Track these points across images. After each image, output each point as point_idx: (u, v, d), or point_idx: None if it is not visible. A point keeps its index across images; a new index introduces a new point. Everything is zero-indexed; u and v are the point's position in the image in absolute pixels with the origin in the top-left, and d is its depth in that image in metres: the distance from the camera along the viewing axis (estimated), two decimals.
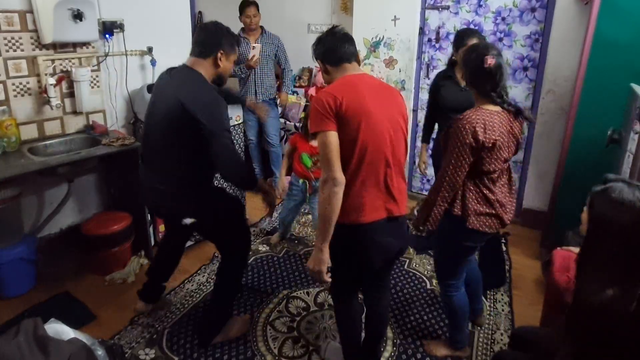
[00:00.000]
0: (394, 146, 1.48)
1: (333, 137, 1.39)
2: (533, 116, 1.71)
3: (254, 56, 3.29)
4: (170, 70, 1.82)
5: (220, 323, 2.01)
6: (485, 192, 1.63)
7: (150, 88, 2.65)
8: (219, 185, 2.06)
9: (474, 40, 2.10)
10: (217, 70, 1.76)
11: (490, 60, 1.54)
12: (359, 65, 1.60)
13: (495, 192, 1.64)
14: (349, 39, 1.56)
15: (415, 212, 1.75)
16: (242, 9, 3.39)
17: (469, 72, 1.63)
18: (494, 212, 1.64)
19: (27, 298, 2.30)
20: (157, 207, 1.98)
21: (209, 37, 1.74)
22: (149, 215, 2.58)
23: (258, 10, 3.42)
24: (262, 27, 3.50)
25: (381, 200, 1.47)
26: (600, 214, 1.11)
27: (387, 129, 1.46)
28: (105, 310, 2.23)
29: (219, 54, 1.72)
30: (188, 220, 1.80)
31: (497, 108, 1.59)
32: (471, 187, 1.63)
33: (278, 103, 3.65)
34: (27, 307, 2.22)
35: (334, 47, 1.53)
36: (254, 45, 3.35)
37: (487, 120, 1.54)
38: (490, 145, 1.53)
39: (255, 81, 3.47)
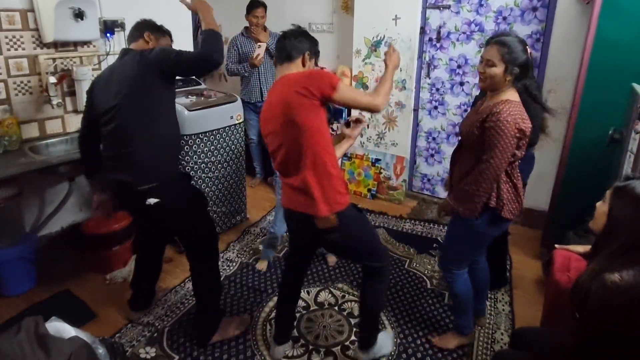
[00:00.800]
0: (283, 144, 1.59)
1: None
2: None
3: (258, 55, 3.30)
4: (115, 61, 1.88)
5: (214, 322, 2.00)
6: (514, 180, 1.69)
7: None
8: (184, 172, 2.07)
9: None
10: (149, 47, 1.86)
11: (531, 51, 1.64)
12: (303, 65, 1.67)
13: (519, 178, 1.71)
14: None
15: (449, 200, 1.75)
16: (250, 9, 3.40)
17: (523, 62, 1.62)
18: (519, 198, 1.71)
19: (28, 296, 2.30)
20: (122, 190, 1.87)
21: (134, 27, 1.94)
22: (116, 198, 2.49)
23: (266, 11, 3.44)
24: (265, 27, 3.51)
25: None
26: (622, 209, 1.17)
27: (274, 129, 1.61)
28: (106, 308, 2.23)
29: (146, 34, 1.89)
30: (152, 200, 1.77)
31: (518, 97, 1.64)
32: (504, 178, 1.67)
33: None
34: (28, 306, 2.23)
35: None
36: (259, 44, 3.35)
37: (522, 110, 1.60)
38: (528, 132, 1.60)
39: (260, 78, 3.47)
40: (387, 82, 1.71)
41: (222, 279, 2.47)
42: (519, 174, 1.72)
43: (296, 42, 1.65)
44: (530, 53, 1.65)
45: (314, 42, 1.71)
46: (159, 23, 1.96)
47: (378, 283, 1.77)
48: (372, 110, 1.68)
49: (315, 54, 1.72)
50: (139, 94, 1.72)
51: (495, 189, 1.66)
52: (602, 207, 1.28)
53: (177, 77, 1.99)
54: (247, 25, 3.49)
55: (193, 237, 1.93)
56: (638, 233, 1.14)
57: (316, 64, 1.74)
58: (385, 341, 1.96)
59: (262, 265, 2.62)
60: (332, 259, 2.67)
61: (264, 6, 3.42)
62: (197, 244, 1.93)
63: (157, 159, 1.79)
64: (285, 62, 1.66)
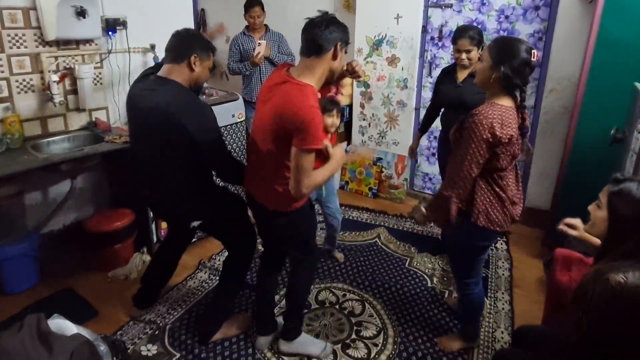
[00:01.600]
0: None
1: None
2: (530, 145, 1.71)
3: (258, 53, 3.30)
4: (144, 79, 1.77)
5: (222, 317, 2.02)
6: (496, 189, 1.62)
7: None
8: (220, 185, 2.07)
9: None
10: (192, 75, 1.72)
11: (538, 55, 1.54)
12: (334, 58, 1.55)
13: (506, 189, 1.64)
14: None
15: (422, 208, 1.72)
16: (247, 8, 3.40)
17: (514, 61, 1.52)
18: (505, 209, 1.64)
19: (30, 294, 2.31)
20: (162, 214, 2.05)
21: (181, 42, 1.72)
22: (151, 212, 2.59)
23: (263, 9, 3.43)
24: (266, 26, 3.51)
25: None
26: (623, 213, 1.19)
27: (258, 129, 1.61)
28: (108, 306, 2.24)
29: (193, 58, 1.69)
30: (196, 223, 1.87)
31: (511, 104, 1.57)
32: (482, 185, 1.61)
33: None
34: (30, 303, 2.24)
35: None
36: (259, 41, 3.35)
37: (504, 115, 1.52)
38: (506, 140, 1.52)
39: (261, 78, 3.48)
40: (326, 174, 1.59)
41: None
42: (507, 186, 1.64)
43: (326, 32, 1.47)
44: (538, 56, 1.55)
45: (345, 31, 1.54)
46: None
47: (308, 271, 1.89)
48: (292, 190, 1.53)
49: (346, 43, 1.57)
50: (171, 142, 1.69)
51: (470, 196, 1.62)
52: (598, 212, 1.28)
53: None
54: (247, 24, 3.49)
55: (231, 239, 2.00)
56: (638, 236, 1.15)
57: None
58: (315, 343, 1.97)
59: (339, 255, 2.71)
60: (339, 256, 2.70)
61: (261, 5, 3.41)
62: (234, 244, 2.00)
63: (193, 193, 1.81)
64: (313, 55, 1.49)
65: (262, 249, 2.01)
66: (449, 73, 2.47)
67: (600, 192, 1.30)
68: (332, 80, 1.68)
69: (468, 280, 1.83)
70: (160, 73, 1.73)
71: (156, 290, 2.22)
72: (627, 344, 1.11)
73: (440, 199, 1.64)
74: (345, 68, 1.74)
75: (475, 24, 3.13)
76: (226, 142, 2.85)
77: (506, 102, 1.57)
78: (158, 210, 2.06)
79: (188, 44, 1.70)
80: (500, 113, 1.52)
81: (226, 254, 2.07)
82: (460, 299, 1.94)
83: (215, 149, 1.72)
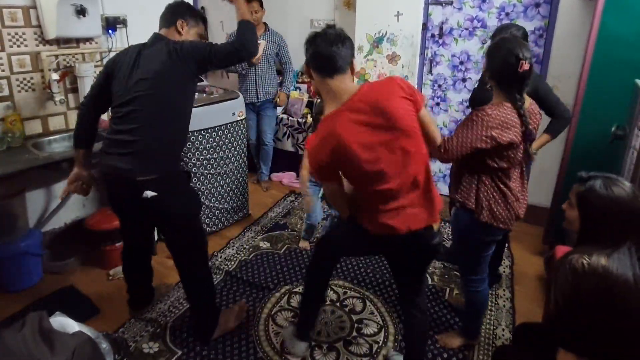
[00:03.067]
0: None
1: None
2: (532, 152, 1.70)
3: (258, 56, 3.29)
4: (140, 44, 1.82)
5: (212, 320, 2.00)
6: (500, 186, 1.64)
7: None
8: (186, 170, 2.03)
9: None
10: (180, 38, 1.81)
11: (526, 66, 1.49)
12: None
13: (510, 186, 1.66)
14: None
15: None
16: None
17: (498, 69, 1.55)
18: (508, 205, 1.65)
19: (32, 292, 2.32)
20: (119, 183, 1.78)
21: (170, 9, 1.86)
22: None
23: (262, 6, 3.38)
24: (265, 24, 3.49)
25: None
26: (591, 209, 1.28)
27: None
28: (110, 304, 2.25)
29: (180, 22, 1.82)
30: (149, 193, 1.70)
31: (510, 106, 1.58)
32: (486, 182, 1.64)
33: (277, 103, 3.64)
34: (32, 301, 2.24)
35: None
36: (259, 41, 3.33)
37: (508, 118, 1.53)
38: (505, 144, 1.53)
39: (256, 79, 3.46)
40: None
41: (222, 275, 2.50)
42: (510, 183, 1.65)
43: (344, 49, 1.39)
44: (525, 67, 1.48)
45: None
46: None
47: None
48: None
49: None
50: (165, 86, 1.70)
51: (474, 191, 1.65)
52: (570, 210, 1.36)
53: None
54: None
55: (183, 238, 1.87)
56: (609, 228, 1.24)
57: None
58: (299, 343, 1.93)
59: (304, 244, 2.85)
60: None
61: (260, 0, 3.35)
62: (186, 246, 1.88)
63: (164, 152, 1.75)
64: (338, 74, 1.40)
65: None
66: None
67: (570, 191, 1.36)
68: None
69: (472, 277, 1.83)
70: (151, 36, 1.83)
71: (145, 291, 2.19)
72: (590, 323, 1.19)
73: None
74: None
75: (475, 21, 3.12)
76: (227, 140, 2.87)
77: (506, 103, 1.58)
78: (118, 175, 1.76)
79: (176, 10, 1.85)
80: (504, 116, 1.53)
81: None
82: (466, 298, 1.94)
83: (212, 52, 1.73)
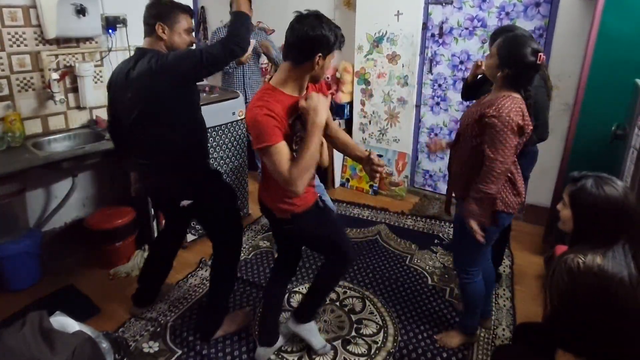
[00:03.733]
0: None
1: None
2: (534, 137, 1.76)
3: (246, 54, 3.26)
4: (125, 63, 1.75)
5: (219, 318, 2.02)
6: (509, 175, 1.67)
7: None
8: (214, 169, 2.06)
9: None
10: (165, 43, 1.71)
11: (543, 58, 1.58)
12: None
13: (516, 172, 1.70)
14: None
15: (471, 222, 1.68)
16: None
17: (516, 60, 1.57)
18: (515, 192, 1.70)
19: (32, 291, 2.32)
20: (156, 194, 1.96)
21: (146, 14, 1.71)
22: (152, 209, 2.59)
23: (251, 6, 3.37)
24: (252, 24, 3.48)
25: None
26: (583, 209, 1.29)
27: None
28: (110, 303, 2.25)
29: (158, 26, 1.68)
30: (186, 202, 1.81)
31: (519, 96, 1.63)
32: None
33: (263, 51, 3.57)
34: (32, 300, 2.25)
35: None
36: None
37: (522, 106, 1.59)
38: (528, 131, 1.60)
39: (244, 79, 3.43)
40: (308, 150, 1.41)
41: None
42: (517, 169, 1.72)
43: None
44: (543, 59, 1.58)
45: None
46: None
47: (336, 268, 1.82)
48: (289, 192, 1.46)
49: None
50: (157, 107, 1.67)
51: None
52: (564, 210, 1.37)
53: None
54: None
55: (220, 232, 1.95)
56: (602, 227, 1.26)
57: None
58: (318, 336, 1.97)
59: None
60: None
61: (249, 1, 3.33)
62: (222, 236, 1.96)
63: (183, 164, 1.79)
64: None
65: (277, 255, 2.00)
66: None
67: (564, 191, 1.38)
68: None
69: (470, 268, 1.84)
70: (142, 45, 1.76)
71: (154, 288, 2.22)
72: (587, 322, 1.22)
73: (484, 199, 1.63)
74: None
75: (476, 20, 3.12)
76: (226, 139, 2.86)
77: (517, 95, 1.63)
78: (154, 191, 1.95)
79: (150, 14, 1.70)
80: (518, 105, 1.59)
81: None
82: (461, 290, 1.94)
83: (202, 62, 1.60)
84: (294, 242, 1.89)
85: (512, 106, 1.56)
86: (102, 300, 2.27)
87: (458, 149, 1.79)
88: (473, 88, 2.24)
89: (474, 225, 1.65)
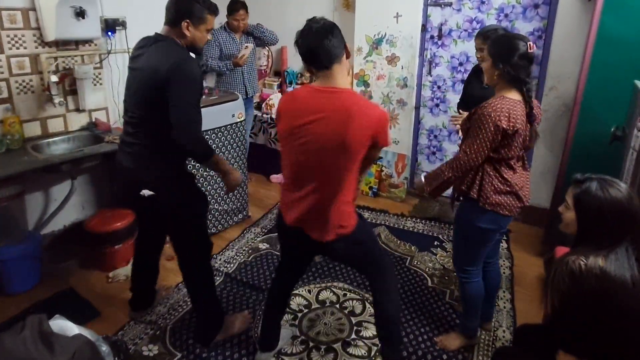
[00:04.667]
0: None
1: None
2: (537, 132, 1.76)
3: (243, 55, 3.30)
4: (144, 41, 1.75)
5: (216, 323, 2.00)
6: (504, 175, 1.68)
7: None
8: (190, 171, 2.00)
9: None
10: (185, 40, 1.72)
11: (533, 46, 1.59)
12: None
13: (513, 174, 1.70)
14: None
15: (423, 178, 1.82)
16: (232, 11, 3.33)
17: (509, 56, 1.59)
18: (511, 190, 1.68)
19: (31, 294, 2.32)
20: (125, 175, 1.83)
21: (174, 6, 1.70)
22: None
23: (247, 11, 3.40)
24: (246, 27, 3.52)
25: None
26: (587, 211, 1.29)
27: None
28: (109, 306, 2.25)
29: (184, 24, 1.68)
30: (147, 192, 1.75)
31: (519, 97, 1.63)
32: (490, 172, 1.68)
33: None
34: (31, 304, 2.24)
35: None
36: (246, 45, 3.35)
37: (511, 108, 1.59)
38: (512, 132, 1.58)
39: (243, 76, 3.48)
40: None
41: (222, 277, 2.50)
42: (516, 172, 1.70)
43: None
44: (533, 48, 1.60)
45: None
46: (161, 20, 1.70)
47: (392, 287, 1.73)
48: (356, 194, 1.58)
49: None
50: (153, 94, 1.66)
51: (478, 181, 1.68)
52: (567, 213, 1.37)
53: None
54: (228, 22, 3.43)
55: (185, 237, 1.88)
56: (606, 229, 1.26)
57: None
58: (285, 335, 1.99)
59: None
60: None
61: (245, 7, 3.38)
62: (188, 245, 1.89)
63: (160, 153, 1.74)
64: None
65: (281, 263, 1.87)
66: (476, 72, 2.46)
67: (566, 194, 1.38)
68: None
69: (469, 268, 1.84)
70: (160, 31, 1.75)
71: (148, 291, 2.19)
72: (589, 324, 1.21)
73: (438, 175, 1.72)
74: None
75: (475, 22, 3.13)
76: (226, 141, 2.86)
77: (514, 96, 1.63)
78: (124, 178, 1.89)
79: (179, 9, 1.69)
80: (508, 106, 1.59)
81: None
82: (461, 290, 1.94)
83: (184, 115, 1.61)
84: (337, 260, 1.80)
85: (499, 105, 1.58)
86: (102, 303, 2.26)
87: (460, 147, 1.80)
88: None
89: (420, 179, 1.81)
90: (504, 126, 1.56)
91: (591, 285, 1.20)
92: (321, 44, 1.43)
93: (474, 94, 2.40)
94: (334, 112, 1.41)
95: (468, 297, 1.90)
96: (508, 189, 1.68)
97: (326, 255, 1.75)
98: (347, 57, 1.55)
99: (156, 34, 1.75)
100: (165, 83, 1.59)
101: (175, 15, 1.69)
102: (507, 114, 1.56)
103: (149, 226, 2.07)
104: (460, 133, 2.07)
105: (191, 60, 1.67)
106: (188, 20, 1.69)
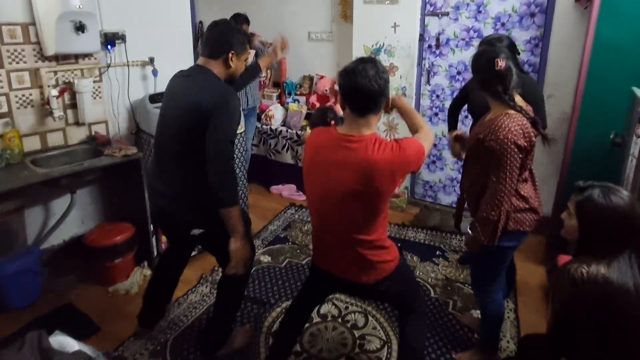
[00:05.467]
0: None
1: None
2: (549, 134, 1.68)
3: (246, 60, 3.34)
4: (182, 72, 1.78)
5: (225, 336, 1.98)
6: (520, 192, 1.65)
7: (152, 98, 2.66)
8: None
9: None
10: (228, 71, 1.73)
11: (501, 63, 1.54)
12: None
13: (528, 188, 1.68)
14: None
15: (470, 231, 1.70)
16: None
17: (481, 77, 1.63)
18: (528, 206, 1.66)
19: (31, 310, 2.29)
20: (165, 216, 1.84)
21: (219, 38, 1.70)
22: (151, 225, 2.56)
23: (248, 24, 3.55)
24: None
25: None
26: (589, 219, 1.29)
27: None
28: (109, 321, 2.22)
29: (230, 54, 1.70)
30: (197, 231, 1.75)
31: (512, 111, 1.60)
32: None
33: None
34: (31, 319, 2.21)
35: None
36: (249, 50, 3.40)
37: (522, 123, 1.56)
38: (530, 148, 1.57)
39: (245, 87, 3.50)
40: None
41: None
42: (530, 185, 1.68)
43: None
44: (501, 64, 1.54)
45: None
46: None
47: (422, 321, 1.72)
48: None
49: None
50: (196, 128, 1.62)
51: None
52: (569, 220, 1.36)
53: None
54: None
55: (226, 257, 1.78)
56: (609, 237, 1.25)
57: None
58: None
59: None
60: None
61: (247, 21, 3.54)
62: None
63: (200, 192, 1.68)
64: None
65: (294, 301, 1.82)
66: None
67: (569, 201, 1.37)
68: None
69: (490, 287, 1.80)
70: (198, 62, 1.74)
71: (160, 308, 2.15)
72: (592, 333, 1.21)
73: (486, 221, 1.61)
74: None
75: (472, 31, 3.15)
76: None
77: (510, 111, 1.60)
78: (162, 216, 1.87)
79: (225, 40, 1.69)
80: (518, 122, 1.55)
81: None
82: (482, 310, 1.89)
83: (221, 153, 1.61)
84: (379, 300, 1.77)
85: (510, 125, 1.53)
86: (102, 319, 2.24)
87: (468, 167, 1.77)
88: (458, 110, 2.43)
89: (474, 245, 1.69)
90: (524, 144, 1.54)
91: (594, 293, 1.19)
92: (373, 95, 1.36)
93: (481, 104, 2.32)
94: (350, 165, 1.38)
95: (491, 316, 1.86)
96: (527, 205, 1.65)
97: (367, 297, 1.76)
98: (385, 111, 1.51)
99: (197, 65, 1.73)
100: (209, 116, 1.58)
101: (222, 47, 1.68)
102: (521, 131, 1.54)
103: (181, 246, 2.04)
104: (460, 156, 2.02)
105: (235, 96, 1.67)
106: (234, 52, 1.70)
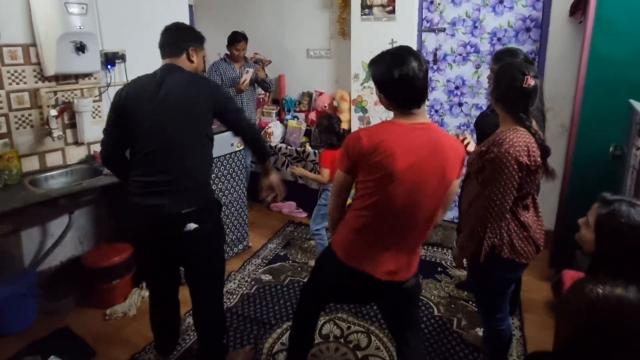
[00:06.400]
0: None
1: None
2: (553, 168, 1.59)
3: (245, 80, 3.40)
4: (150, 75, 1.73)
5: (223, 353, 1.94)
6: (520, 218, 1.56)
7: None
8: (218, 199, 1.96)
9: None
10: (192, 66, 1.80)
11: (530, 81, 1.47)
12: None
13: (529, 216, 1.59)
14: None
15: (457, 247, 1.66)
16: (233, 42, 3.52)
17: (504, 88, 1.54)
18: (529, 238, 1.56)
19: (27, 334, 2.24)
20: (159, 217, 1.69)
21: (176, 36, 1.78)
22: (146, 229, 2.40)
23: (247, 42, 3.59)
24: (245, 57, 3.68)
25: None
26: (612, 237, 1.20)
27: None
28: (106, 345, 2.17)
29: (190, 50, 1.78)
30: (192, 226, 1.68)
31: (524, 129, 1.53)
32: (507, 216, 1.53)
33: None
34: (27, 344, 2.16)
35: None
36: (247, 69, 3.47)
37: (529, 141, 1.48)
38: (534, 168, 1.48)
39: (242, 104, 3.55)
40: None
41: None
42: (532, 214, 1.59)
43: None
44: (530, 82, 1.47)
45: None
46: (160, 53, 1.77)
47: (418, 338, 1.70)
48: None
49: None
50: (198, 117, 1.71)
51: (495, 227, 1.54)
52: (586, 231, 1.28)
53: None
54: (228, 54, 3.60)
55: (209, 268, 1.84)
56: (628, 256, 1.18)
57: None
58: None
59: None
60: None
61: (246, 39, 3.58)
62: (210, 276, 1.85)
63: (204, 182, 1.78)
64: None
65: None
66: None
67: (589, 210, 1.29)
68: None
69: (496, 315, 1.72)
70: (165, 63, 1.77)
71: (172, 332, 2.03)
72: (606, 355, 1.15)
73: (472, 235, 1.56)
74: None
75: (469, 46, 3.18)
76: (225, 171, 2.85)
77: (518, 127, 1.53)
78: (156, 219, 1.71)
79: (183, 37, 1.79)
80: (525, 140, 1.48)
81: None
82: (486, 336, 1.82)
83: (246, 120, 1.89)
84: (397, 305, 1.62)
85: (515, 140, 1.46)
86: (98, 342, 2.18)
87: (467, 185, 1.69)
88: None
89: (459, 259, 1.65)
90: (527, 162, 1.45)
91: (609, 315, 1.14)
92: (425, 85, 1.42)
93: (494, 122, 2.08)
94: (435, 148, 1.38)
95: (499, 342, 1.78)
96: (526, 233, 1.56)
97: (390, 301, 1.61)
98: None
99: (167, 65, 1.75)
100: (211, 103, 1.74)
101: (181, 44, 1.77)
102: (526, 148, 1.45)
103: (170, 262, 1.90)
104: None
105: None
106: (193, 48, 1.79)
